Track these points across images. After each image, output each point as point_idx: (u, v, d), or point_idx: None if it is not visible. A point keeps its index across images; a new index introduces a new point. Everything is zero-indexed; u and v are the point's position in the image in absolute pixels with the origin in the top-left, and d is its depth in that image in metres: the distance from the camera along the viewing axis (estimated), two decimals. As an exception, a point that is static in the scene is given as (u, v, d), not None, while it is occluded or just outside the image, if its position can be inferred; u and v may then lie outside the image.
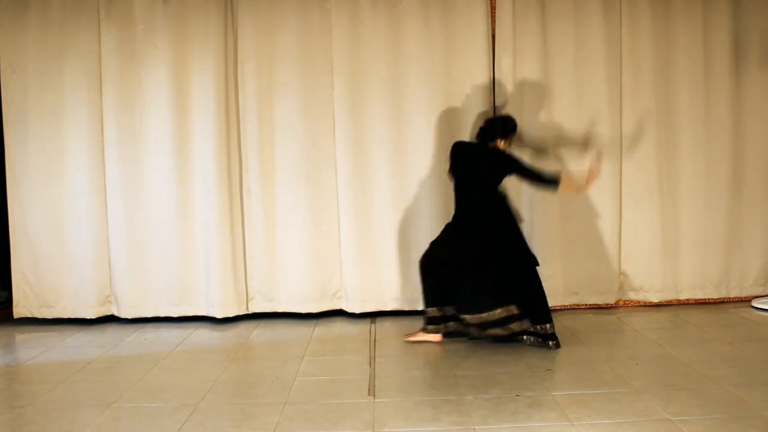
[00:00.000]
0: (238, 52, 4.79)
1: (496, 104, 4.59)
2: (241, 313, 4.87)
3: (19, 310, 4.90)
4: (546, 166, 4.41)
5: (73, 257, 4.84)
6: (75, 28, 4.76)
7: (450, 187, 4.27)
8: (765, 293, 5.08)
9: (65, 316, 4.87)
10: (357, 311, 4.83)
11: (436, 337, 4.18)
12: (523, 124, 4.82)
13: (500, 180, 4.10)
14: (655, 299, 5.00)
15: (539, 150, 4.69)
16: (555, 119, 4.86)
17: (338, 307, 4.92)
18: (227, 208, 4.78)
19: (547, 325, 4.02)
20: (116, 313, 4.90)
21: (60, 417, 3.13)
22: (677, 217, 4.98)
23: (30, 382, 3.68)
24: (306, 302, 4.87)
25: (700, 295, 5.05)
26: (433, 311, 4.18)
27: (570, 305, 4.98)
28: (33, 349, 4.29)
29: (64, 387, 3.56)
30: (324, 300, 4.89)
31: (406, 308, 4.84)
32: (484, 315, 3.99)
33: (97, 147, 4.81)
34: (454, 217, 4.18)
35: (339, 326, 4.70)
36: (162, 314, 4.88)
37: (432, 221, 4.77)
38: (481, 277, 4.00)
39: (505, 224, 4.07)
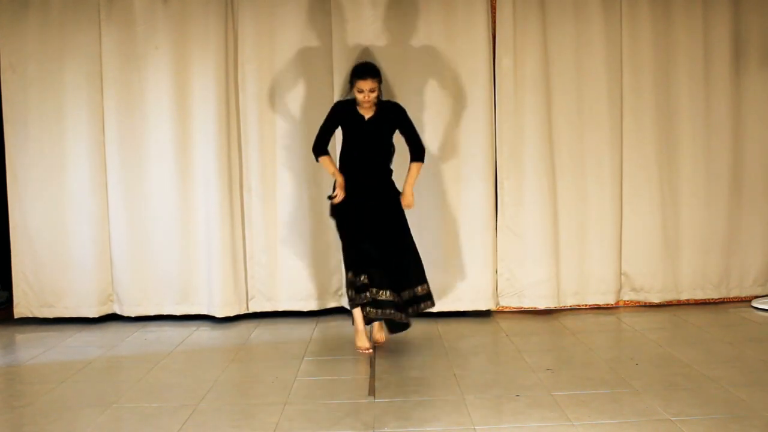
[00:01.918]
0: (239, 52, 4.80)
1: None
2: (241, 312, 4.88)
3: (20, 309, 4.91)
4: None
5: (75, 256, 4.85)
6: (75, 28, 4.76)
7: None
8: (764, 293, 5.08)
9: (66, 316, 4.88)
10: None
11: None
12: (524, 123, 4.84)
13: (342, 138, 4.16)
14: (655, 299, 5.00)
15: None
16: (555, 119, 4.86)
17: (340, 305, 4.92)
18: (228, 207, 4.78)
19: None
20: (119, 312, 4.91)
21: (60, 417, 3.13)
22: (677, 217, 4.98)
23: (30, 382, 3.68)
24: (307, 300, 4.88)
25: (700, 295, 5.05)
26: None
27: (570, 305, 4.97)
28: (33, 349, 4.29)
29: (65, 387, 3.56)
30: (325, 297, 4.90)
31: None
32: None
33: (97, 147, 4.82)
34: None
35: (339, 326, 4.70)
36: (164, 313, 4.89)
37: (432, 220, 4.78)
38: None
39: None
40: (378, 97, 4.03)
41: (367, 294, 3.90)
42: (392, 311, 3.91)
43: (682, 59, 4.89)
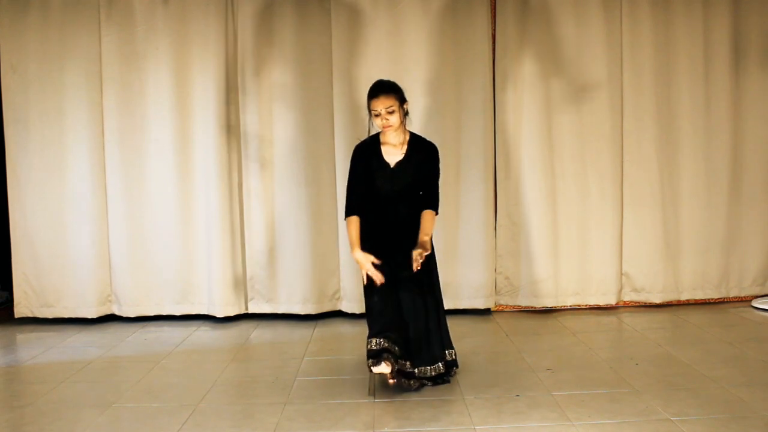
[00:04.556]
0: (239, 52, 4.80)
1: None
2: (241, 312, 4.88)
3: (20, 309, 4.91)
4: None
5: (74, 257, 4.85)
6: (75, 28, 4.77)
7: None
8: (763, 293, 5.08)
9: (66, 316, 4.88)
10: (357, 312, 4.82)
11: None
12: (523, 123, 4.84)
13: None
14: (656, 300, 4.99)
15: None
16: (555, 119, 4.86)
17: (337, 309, 4.92)
18: (227, 207, 4.78)
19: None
20: (117, 312, 4.91)
21: (60, 417, 3.14)
22: (678, 217, 4.98)
23: (30, 382, 3.68)
24: (305, 303, 4.87)
25: (700, 295, 5.05)
26: None
27: (571, 305, 4.97)
28: (33, 349, 4.29)
29: (65, 387, 3.56)
30: (323, 301, 4.89)
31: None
32: None
33: (98, 147, 4.82)
34: None
35: (339, 326, 4.70)
36: (164, 312, 4.89)
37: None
38: None
39: None
40: (403, 122, 3.46)
41: (373, 361, 3.26)
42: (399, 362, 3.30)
43: (682, 59, 4.89)
